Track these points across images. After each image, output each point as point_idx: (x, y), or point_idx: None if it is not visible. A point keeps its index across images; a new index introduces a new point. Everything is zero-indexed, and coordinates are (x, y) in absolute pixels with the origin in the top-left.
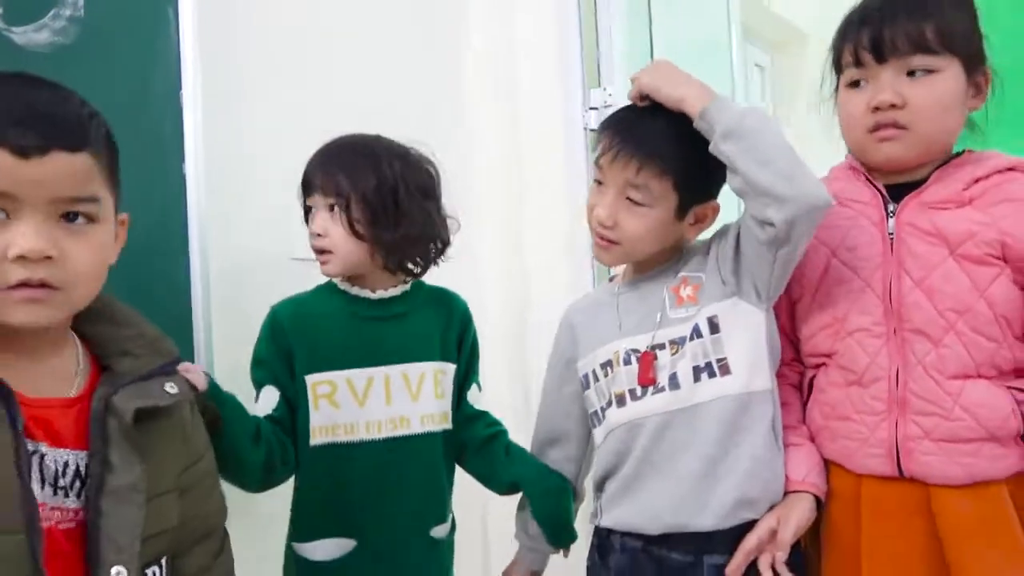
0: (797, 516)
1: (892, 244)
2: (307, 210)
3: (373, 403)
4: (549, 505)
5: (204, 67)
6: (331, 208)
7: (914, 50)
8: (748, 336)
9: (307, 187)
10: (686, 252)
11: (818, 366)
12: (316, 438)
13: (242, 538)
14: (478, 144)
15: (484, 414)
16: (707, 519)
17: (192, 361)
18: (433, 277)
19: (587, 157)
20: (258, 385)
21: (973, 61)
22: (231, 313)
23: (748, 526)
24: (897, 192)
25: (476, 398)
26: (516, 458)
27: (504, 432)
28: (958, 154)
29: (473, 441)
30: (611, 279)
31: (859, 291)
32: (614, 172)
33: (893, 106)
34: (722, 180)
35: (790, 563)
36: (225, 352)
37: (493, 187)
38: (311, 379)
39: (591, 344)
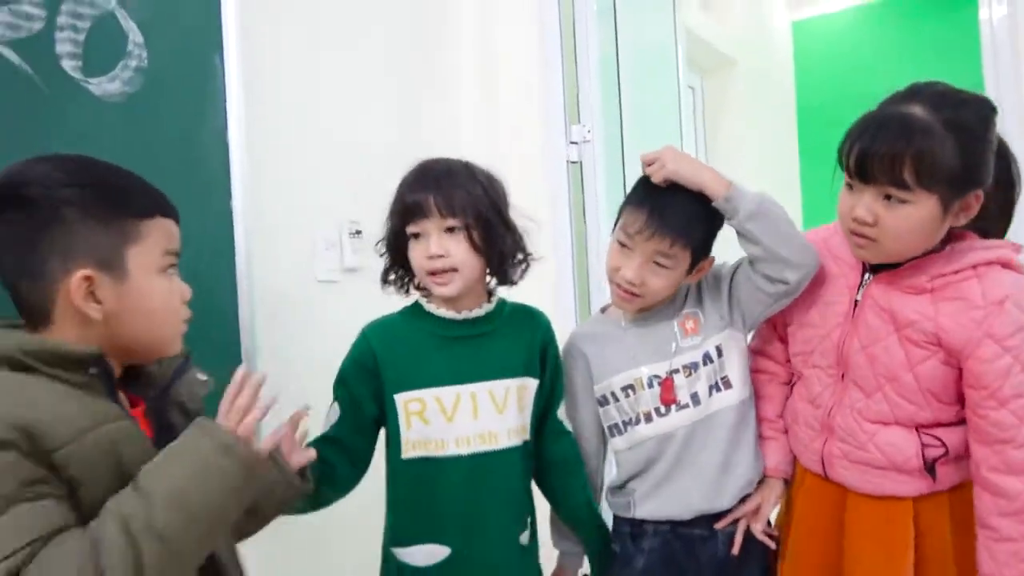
0: (774, 497)
1: (855, 309)
2: (403, 236)
3: (461, 419)
4: (599, 547)
5: (248, 111)
6: (449, 230)
7: (890, 182)
8: (739, 356)
9: (414, 212)
10: (680, 291)
11: (799, 377)
12: (408, 452)
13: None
14: None
15: (569, 432)
16: (725, 501)
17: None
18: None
19: (569, 188)
20: (334, 399)
21: (958, 190)
22: (274, 330)
23: (744, 499)
24: (877, 264)
25: (563, 414)
26: (590, 499)
27: (582, 462)
28: (945, 241)
29: (560, 460)
30: (603, 310)
31: (823, 337)
32: (648, 245)
33: (867, 222)
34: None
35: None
36: (271, 363)
37: None
38: (401, 397)
39: (606, 372)
